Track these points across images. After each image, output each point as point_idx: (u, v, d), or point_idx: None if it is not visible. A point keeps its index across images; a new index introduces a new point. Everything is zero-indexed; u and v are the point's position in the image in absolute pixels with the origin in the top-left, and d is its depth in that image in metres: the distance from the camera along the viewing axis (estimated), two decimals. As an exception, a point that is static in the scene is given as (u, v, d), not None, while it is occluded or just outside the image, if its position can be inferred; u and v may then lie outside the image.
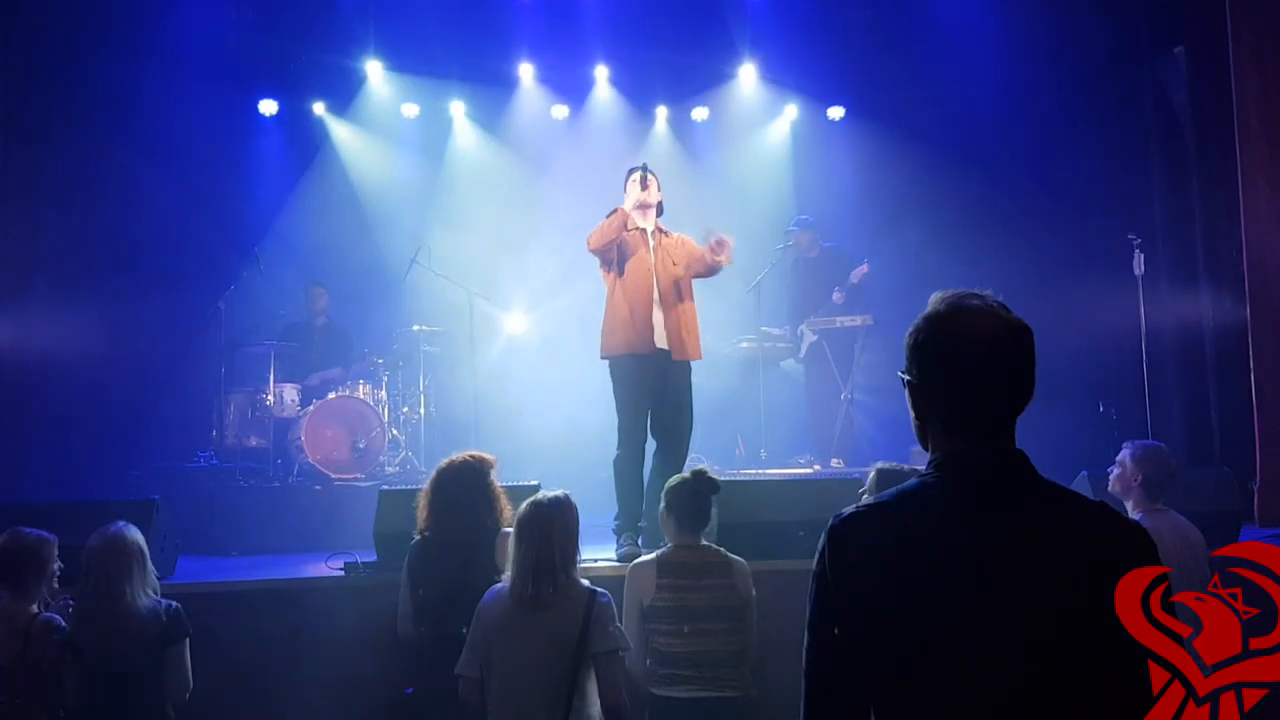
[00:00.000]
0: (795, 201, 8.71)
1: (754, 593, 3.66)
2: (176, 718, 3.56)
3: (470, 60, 8.47)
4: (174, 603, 3.58)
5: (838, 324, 7.61)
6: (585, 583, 3.21)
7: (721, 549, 3.75)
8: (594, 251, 5.09)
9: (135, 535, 3.58)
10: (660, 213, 5.21)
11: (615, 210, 5.05)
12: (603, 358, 5.09)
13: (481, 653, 3.14)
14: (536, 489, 3.47)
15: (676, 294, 5.08)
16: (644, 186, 5.08)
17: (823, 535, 1.52)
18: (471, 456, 3.77)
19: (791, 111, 8.99)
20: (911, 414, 1.58)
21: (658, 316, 5.02)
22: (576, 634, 3.08)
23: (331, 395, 7.07)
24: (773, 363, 7.82)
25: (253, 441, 7.01)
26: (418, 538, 3.72)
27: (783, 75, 8.79)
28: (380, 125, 8.65)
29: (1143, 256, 6.62)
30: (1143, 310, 6.65)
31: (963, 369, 1.50)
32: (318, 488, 6.69)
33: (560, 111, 8.89)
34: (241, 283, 7.23)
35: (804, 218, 8.08)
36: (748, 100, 8.92)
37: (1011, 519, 1.46)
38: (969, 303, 1.52)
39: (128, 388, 7.27)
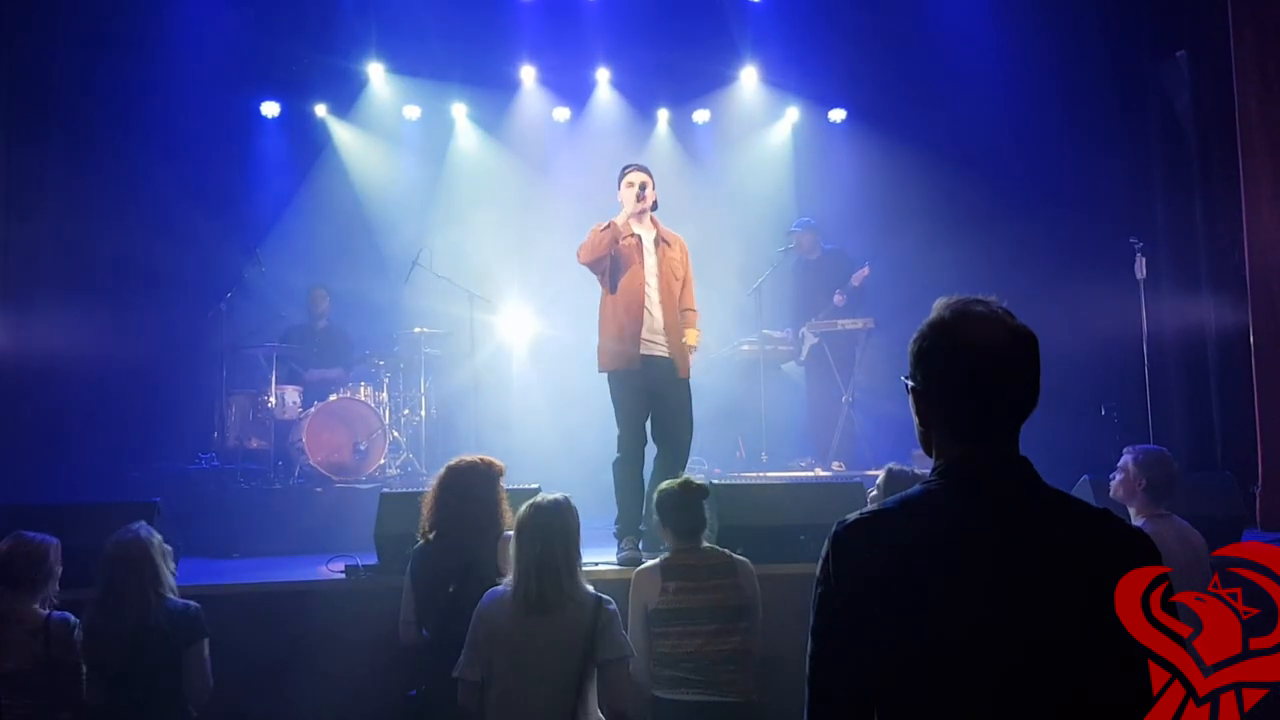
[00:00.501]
0: (796, 204, 8.70)
1: (759, 591, 3.66)
2: (200, 717, 3.55)
3: (472, 62, 8.49)
4: (194, 603, 3.56)
5: (839, 327, 7.60)
6: (590, 589, 3.18)
7: (725, 549, 3.76)
8: (584, 265, 5.01)
9: (155, 536, 3.57)
10: (655, 207, 5.11)
11: (609, 224, 4.94)
12: (599, 371, 5.06)
13: (482, 655, 3.10)
14: (537, 492, 3.45)
15: (677, 303, 5.06)
16: (639, 198, 4.98)
17: (826, 542, 1.52)
18: (481, 460, 3.73)
19: (793, 114, 8.99)
20: (915, 420, 1.58)
21: (657, 325, 4.97)
22: (583, 641, 3.05)
23: (333, 397, 7.06)
24: (774, 365, 7.81)
25: (254, 443, 7.01)
26: (421, 542, 3.69)
27: (784, 78, 8.80)
28: (382, 127, 8.65)
29: (1145, 260, 6.63)
30: (1144, 314, 6.65)
31: (968, 376, 1.49)
32: (319, 490, 6.68)
33: (562, 114, 8.90)
34: (243, 284, 7.25)
35: (805, 219, 8.07)
36: (749, 103, 8.93)
37: (1015, 526, 1.46)
38: (974, 309, 1.51)
39: (129, 389, 7.26)
